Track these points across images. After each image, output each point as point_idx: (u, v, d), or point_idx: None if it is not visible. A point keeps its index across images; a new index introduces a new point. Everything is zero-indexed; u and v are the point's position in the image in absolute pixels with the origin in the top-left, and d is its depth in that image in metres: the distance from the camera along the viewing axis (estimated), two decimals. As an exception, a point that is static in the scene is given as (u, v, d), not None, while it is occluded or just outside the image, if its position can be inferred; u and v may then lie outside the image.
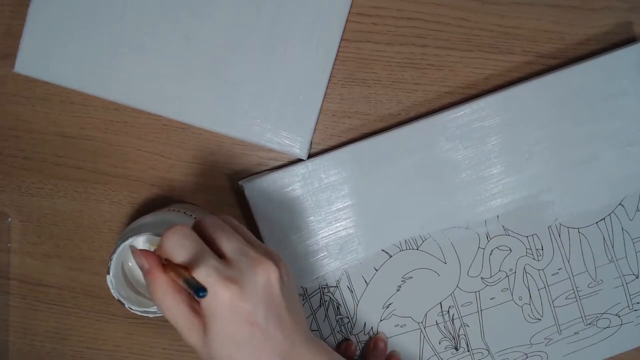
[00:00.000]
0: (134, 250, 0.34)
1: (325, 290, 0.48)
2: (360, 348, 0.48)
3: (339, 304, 0.48)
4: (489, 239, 0.47)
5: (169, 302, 0.32)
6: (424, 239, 0.47)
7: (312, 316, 0.48)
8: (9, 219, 0.50)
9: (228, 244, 0.33)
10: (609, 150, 0.46)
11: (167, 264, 0.33)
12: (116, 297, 0.42)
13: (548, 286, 0.48)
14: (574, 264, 0.47)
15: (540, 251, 0.47)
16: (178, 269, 0.31)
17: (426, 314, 0.48)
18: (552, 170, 0.47)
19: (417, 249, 0.47)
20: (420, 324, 0.48)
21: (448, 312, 0.48)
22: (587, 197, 0.47)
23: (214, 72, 0.47)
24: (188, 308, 0.32)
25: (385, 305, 0.48)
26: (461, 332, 0.48)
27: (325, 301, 0.48)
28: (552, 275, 0.48)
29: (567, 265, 0.47)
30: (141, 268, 0.33)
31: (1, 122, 0.50)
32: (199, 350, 0.32)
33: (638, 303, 0.48)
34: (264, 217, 0.47)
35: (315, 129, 0.48)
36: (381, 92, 0.48)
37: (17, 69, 0.47)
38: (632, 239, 0.47)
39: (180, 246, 0.32)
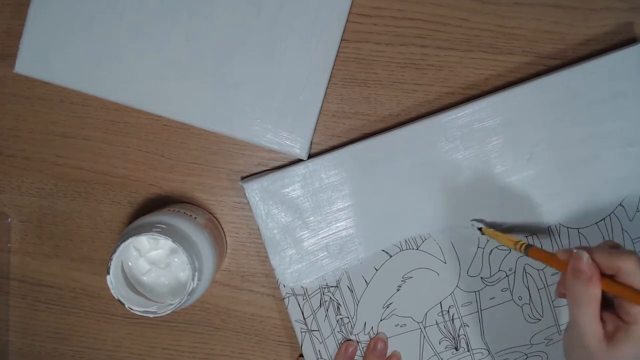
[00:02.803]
0: (580, 254, 0.36)
1: (326, 290, 0.48)
2: (361, 348, 0.48)
3: (339, 304, 0.48)
4: (488, 238, 0.47)
5: (587, 309, 0.35)
6: (424, 239, 0.47)
7: (312, 316, 0.48)
8: (9, 219, 0.50)
9: None
10: (609, 151, 0.46)
11: (604, 278, 0.35)
12: (116, 297, 0.42)
13: (548, 286, 0.48)
14: (573, 264, 0.47)
15: (540, 251, 0.47)
16: (622, 287, 0.34)
17: (426, 314, 0.48)
18: (552, 170, 0.47)
19: (417, 249, 0.47)
20: (420, 324, 0.48)
21: (448, 311, 0.48)
22: (587, 198, 0.47)
23: (214, 72, 0.47)
24: (598, 317, 0.35)
25: (386, 305, 0.48)
26: (461, 332, 0.48)
27: (326, 301, 0.48)
28: (552, 275, 0.48)
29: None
30: (576, 269, 0.36)
31: (1, 122, 0.50)
32: (594, 351, 0.35)
33: (638, 303, 0.48)
34: (264, 218, 0.47)
35: (315, 129, 0.48)
36: (381, 93, 0.48)
37: (17, 69, 0.47)
38: (632, 240, 0.47)
39: None
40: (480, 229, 0.46)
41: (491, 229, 0.46)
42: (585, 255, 0.35)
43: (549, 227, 0.47)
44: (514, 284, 0.48)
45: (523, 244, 0.42)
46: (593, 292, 0.35)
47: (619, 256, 0.35)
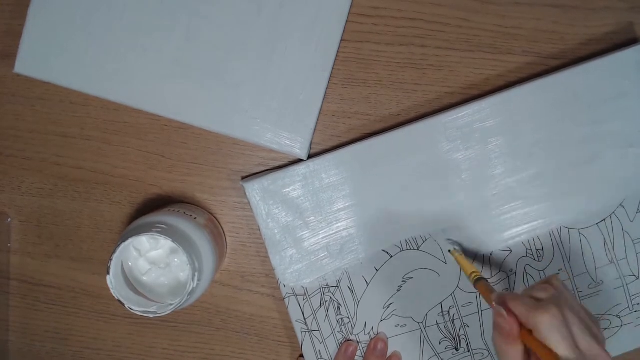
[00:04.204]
0: (498, 310, 0.36)
1: (326, 290, 0.47)
2: (361, 348, 0.48)
3: (339, 304, 0.48)
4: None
5: None
6: (424, 239, 0.47)
7: (312, 316, 0.48)
8: (9, 219, 0.50)
9: (583, 339, 0.34)
10: (610, 151, 0.46)
11: (525, 332, 0.35)
12: (116, 297, 0.42)
13: (548, 287, 0.48)
14: (574, 265, 0.47)
15: (541, 252, 0.47)
16: (539, 345, 0.34)
17: (427, 314, 0.48)
18: (552, 171, 0.47)
19: (418, 249, 0.47)
20: (421, 324, 0.48)
21: (448, 312, 0.48)
22: (587, 198, 0.47)
23: (214, 72, 0.47)
24: None
25: (386, 305, 0.48)
26: (461, 332, 0.48)
27: (326, 301, 0.48)
28: (552, 275, 0.48)
29: (568, 266, 0.47)
30: (498, 325, 0.36)
31: (1, 122, 0.50)
32: None
33: (638, 304, 0.48)
34: (264, 217, 0.47)
35: (315, 129, 0.48)
36: (381, 93, 0.48)
37: (17, 69, 0.47)
38: (632, 240, 0.47)
39: (559, 335, 0.34)
40: (449, 250, 0.47)
41: (458, 254, 0.46)
42: (503, 312, 0.35)
43: (550, 231, 0.47)
44: (515, 284, 0.47)
45: (476, 275, 0.43)
46: (513, 348, 0.35)
47: (534, 312, 0.34)
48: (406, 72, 0.48)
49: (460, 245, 0.47)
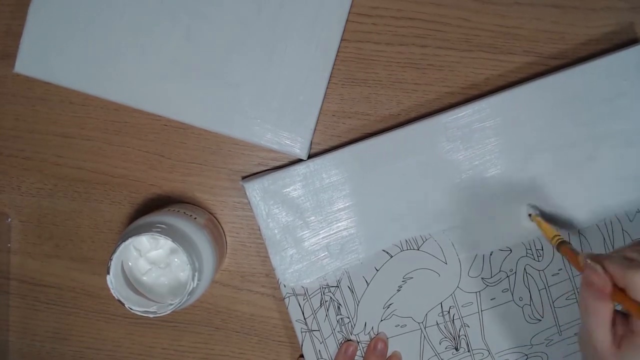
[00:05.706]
0: (593, 266, 0.35)
1: (326, 290, 0.47)
2: (361, 348, 0.48)
3: (339, 304, 0.48)
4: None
5: (597, 319, 0.35)
6: (424, 239, 0.47)
7: (312, 316, 0.48)
8: (9, 219, 0.50)
9: None
10: (609, 151, 0.46)
11: (615, 290, 0.34)
12: (116, 297, 0.42)
13: (548, 287, 0.48)
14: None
15: (541, 252, 0.47)
16: (632, 303, 0.33)
17: (427, 314, 0.48)
18: (552, 170, 0.47)
19: (418, 249, 0.47)
20: (421, 324, 0.48)
21: (449, 312, 0.48)
22: (587, 198, 0.47)
23: (214, 72, 0.47)
24: (607, 326, 0.35)
25: (386, 305, 0.48)
26: (462, 332, 0.48)
27: (326, 301, 0.48)
28: (553, 275, 0.48)
29: (568, 266, 0.47)
30: (589, 281, 0.35)
31: (1, 122, 0.50)
32: (603, 356, 0.35)
33: (638, 303, 0.48)
34: (265, 217, 0.47)
35: (315, 129, 0.48)
36: (381, 93, 0.48)
37: (17, 69, 0.47)
38: (632, 240, 0.47)
39: None
40: (530, 214, 0.46)
41: (539, 218, 0.45)
42: (599, 268, 0.35)
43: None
44: (515, 284, 0.47)
45: (559, 239, 0.42)
46: (603, 306, 0.34)
47: (629, 270, 0.33)
48: (406, 72, 0.48)
49: (540, 209, 0.46)
